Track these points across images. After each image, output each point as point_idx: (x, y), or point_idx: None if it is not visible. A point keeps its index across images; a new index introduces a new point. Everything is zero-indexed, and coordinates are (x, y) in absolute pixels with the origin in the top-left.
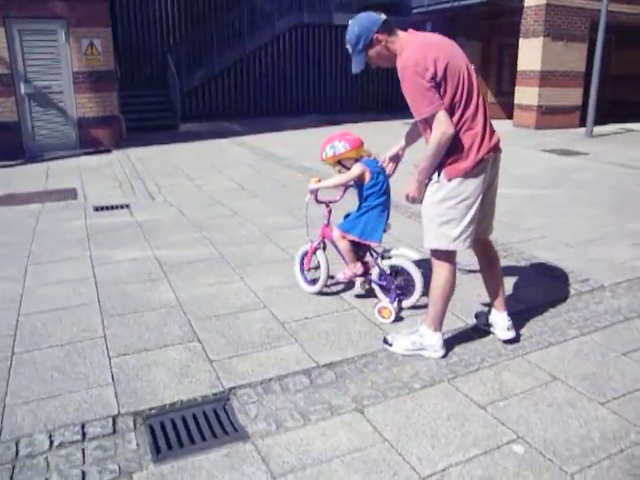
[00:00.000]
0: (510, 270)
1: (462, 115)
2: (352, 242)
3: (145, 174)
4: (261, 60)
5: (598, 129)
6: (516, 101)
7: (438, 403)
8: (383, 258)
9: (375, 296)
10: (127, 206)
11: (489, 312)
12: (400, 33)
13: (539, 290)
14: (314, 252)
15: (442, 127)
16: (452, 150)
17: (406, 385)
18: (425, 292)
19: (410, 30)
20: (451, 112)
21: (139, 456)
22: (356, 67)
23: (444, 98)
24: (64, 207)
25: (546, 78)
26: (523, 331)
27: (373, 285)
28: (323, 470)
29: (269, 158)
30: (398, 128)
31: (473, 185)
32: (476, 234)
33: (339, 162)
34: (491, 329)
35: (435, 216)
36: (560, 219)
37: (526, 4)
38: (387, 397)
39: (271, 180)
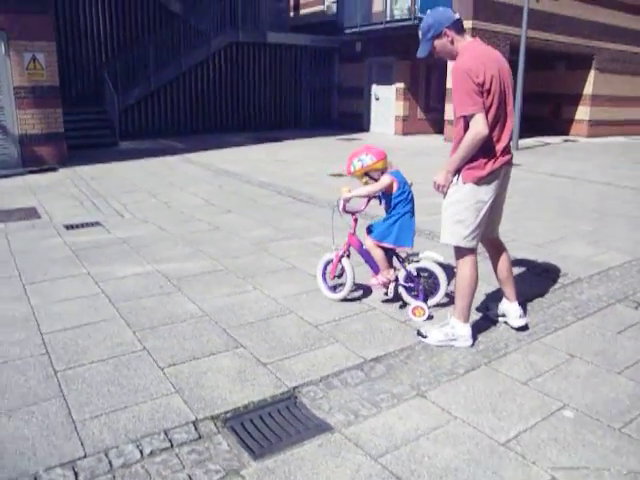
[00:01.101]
0: None
1: (493, 129)
2: (383, 249)
3: (104, 192)
4: (197, 78)
5: (521, 142)
6: (446, 117)
7: (486, 383)
8: (409, 262)
9: (397, 299)
10: (98, 223)
11: (500, 303)
12: (467, 37)
13: (529, 285)
14: (339, 260)
15: (479, 127)
16: (474, 158)
17: (451, 371)
18: (448, 291)
19: (477, 38)
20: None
21: (236, 456)
22: (421, 52)
23: (487, 108)
24: (30, 226)
25: None
26: (529, 319)
27: (399, 288)
28: (414, 447)
29: (224, 175)
30: (333, 143)
31: (485, 191)
32: (484, 234)
33: (366, 174)
34: (503, 318)
35: (451, 214)
36: (521, 223)
37: None
38: (440, 382)
39: (236, 196)
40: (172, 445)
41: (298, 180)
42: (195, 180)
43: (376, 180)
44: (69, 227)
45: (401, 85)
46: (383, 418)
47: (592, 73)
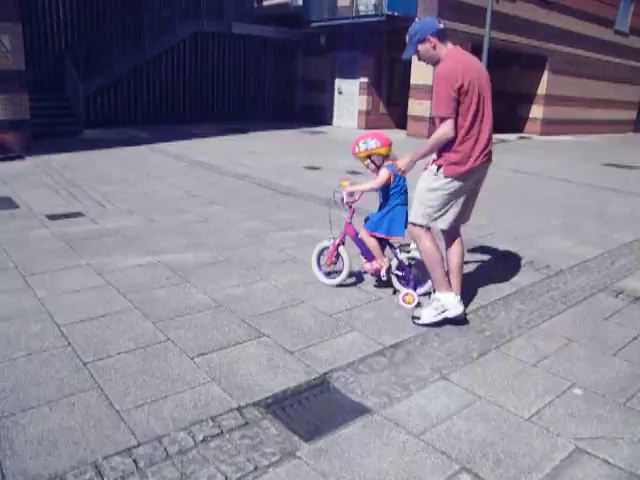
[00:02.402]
0: (487, 261)
1: (471, 128)
2: (377, 238)
3: (78, 182)
4: (161, 67)
5: None
6: (409, 112)
7: (499, 366)
8: (401, 251)
9: (389, 286)
10: (80, 214)
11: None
12: (449, 44)
13: (518, 276)
14: (337, 248)
15: (447, 129)
16: (456, 155)
17: (466, 356)
18: None
19: (458, 46)
20: (464, 123)
21: (287, 439)
22: (406, 54)
23: (466, 109)
24: (10, 217)
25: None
26: (524, 307)
27: (391, 275)
28: (450, 425)
29: (198, 166)
30: (298, 136)
31: (460, 185)
32: (456, 222)
33: (369, 157)
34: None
35: (426, 199)
36: (496, 218)
37: None
38: (458, 366)
39: (217, 187)
40: (222, 431)
41: (274, 172)
42: (170, 171)
43: (377, 165)
44: (52, 217)
45: (365, 80)
46: (415, 400)
47: (546, 74)
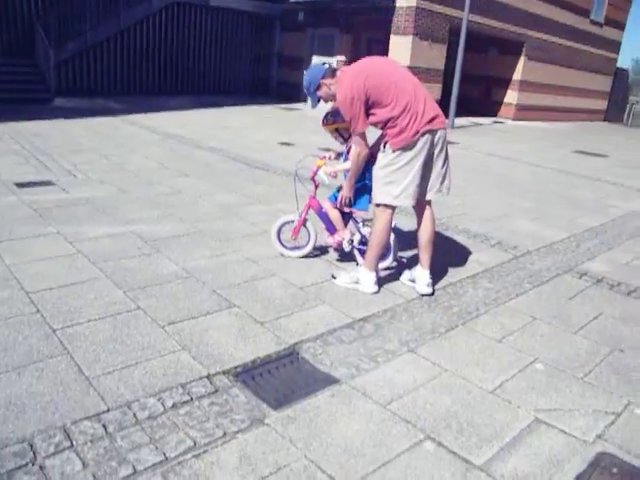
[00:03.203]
0: (458, 241)
1: (394, 108)
2: (341, 212)
3: (49, 150)
4: (136, 37)
5: (456, 121)
6: None
7: (466, 341)
8: (364, 226)
9: (352, 260)
10: (50, 183)
11: (413, 268)
12: (338, 73)
13: (487, 255)
14: (304, 223)
15: (359, 148)
16: (395, 130)
17: (434, 330)
18: (398, 257)
19: (343, 68)
20: (393, 110)
21: (255, 406)
22: (312, 105)
23: (383, 99)
24: None
25: (414, 73)
26: (491, 285)
27: (354, 250)
28: (416, 396)
29: (173, 138)
30: (274, 112)
31: (409, 156)
32: (420, 195)
33: (336, 129)
34: (412, 283)
35: (381, 177)
36: (470, 199)
37: (398, 4)
38: (426, 340)
39: (190, 160)
40: (192, 398)
41: (248, 147)
42: (143, 143)
43: (344, 138)
44: (21, 185)
45: (342, 57)
46: (382, 371)
47: (522, 59)
